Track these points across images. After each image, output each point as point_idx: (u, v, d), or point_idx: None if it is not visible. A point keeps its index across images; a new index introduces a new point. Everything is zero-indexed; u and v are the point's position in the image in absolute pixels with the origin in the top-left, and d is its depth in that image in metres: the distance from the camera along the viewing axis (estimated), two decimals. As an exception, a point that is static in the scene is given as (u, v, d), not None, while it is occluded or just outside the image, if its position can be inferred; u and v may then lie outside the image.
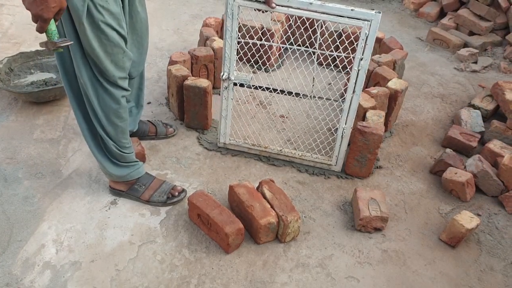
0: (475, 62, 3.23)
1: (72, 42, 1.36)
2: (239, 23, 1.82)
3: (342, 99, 1.92)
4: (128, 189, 1.85)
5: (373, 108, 2.11)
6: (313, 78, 2.06)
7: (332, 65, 2.81)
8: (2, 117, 2.29)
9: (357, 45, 1.75)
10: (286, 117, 2.45)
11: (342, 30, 2.79)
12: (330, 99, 2.43)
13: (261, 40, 2.75)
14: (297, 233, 1.75)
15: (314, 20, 2.56)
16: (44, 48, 1.32)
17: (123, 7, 1.53)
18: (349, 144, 2.03)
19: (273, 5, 1.70)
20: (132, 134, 2.09)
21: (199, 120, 2.26)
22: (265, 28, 2.72)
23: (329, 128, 2.31)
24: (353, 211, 1.89)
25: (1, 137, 2.15)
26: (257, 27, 2.69)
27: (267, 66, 2.85)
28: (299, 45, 2.81)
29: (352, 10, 1.69)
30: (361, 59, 1.77)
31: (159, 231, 1.75)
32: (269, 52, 2.69)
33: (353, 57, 1.78)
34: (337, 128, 2.02)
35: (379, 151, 2.21)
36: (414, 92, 2.82)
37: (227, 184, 1.93)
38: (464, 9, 3.59)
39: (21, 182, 1.91)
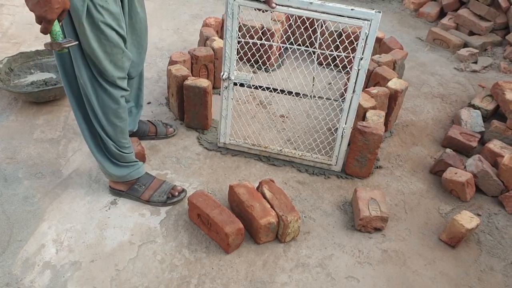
0: (475, 62, 3.23)
1: (77, 43, 1.36)
2: (239, 23, 1.82)
3: (342, 99, 1.92)
4: (128, 189, 1.85)
5: (373, 108, 2.11)
6: (313, 77, 2.06)
7: (332, 65, 2.81)
8: (2, 117, 2.29)
9: (357, 44, 1.75)
10: (286, 117, 2.45)
11: (342, 29, 2.80)
12: (330, 99, 2.43)
13: (261, 39, 2.75)
14: (297, 233, 1.75)
15: (314, 20, 2.56)
16: (46, 48, 1.32)
17: (122, 7, 1.53)
18: (349, 144, 2.03)
19: (273, 5, 1.70)
20: (132, 134, 2.09)
21: (199, 120, 2.26)
22: (265, 28, 2.72)
23: (329, 128, 2.31)
24: (353, 211, 1.89)
25: (1, 137, 2.15)
26: (257, 26, 2.69)
27: (267, 66, 2.85)
28: (299, 45, 2.82)
29: (352, 9, 1.69)
30: (361, 59, 1.77)
31: (159, 231, 1.75)
32: (269, 51, 2.69)
33: (353, 57, 1.78)
34: (337, 128, 2.02)
35: (379, 151, 2.21)
36: (414, 92, 2.82)
37: (227, 184, 1.93)
38: (464, 9, 3.59)
39: (21, 182, 1.91)
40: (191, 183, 1.99)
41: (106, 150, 1.73)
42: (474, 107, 2.59)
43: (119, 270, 1.59)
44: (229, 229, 1.61)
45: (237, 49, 1.88)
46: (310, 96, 2.04)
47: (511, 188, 2.01)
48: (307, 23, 2.26)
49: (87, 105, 1.60)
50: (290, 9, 1.72)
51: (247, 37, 2.43)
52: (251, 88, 2.07)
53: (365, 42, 1.72)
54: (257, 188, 1.84)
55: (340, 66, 2.06)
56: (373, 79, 2.44)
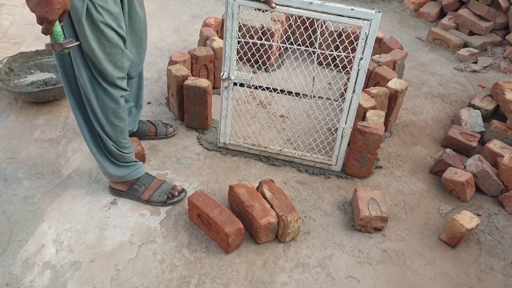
0: (475, 62, 3.23)
1: (78, 43, 1.36)
2: (239, 23, 1.82)
3: (342, 99, 1.92)
4: (128, 189, 1.85)
5: (373, 108, 2.11)
6: (313, 77, 2.06)
7: (332, 65, 2.81)
8: (2, 117, 2.29)
9: (357, 44, 1.75)
10: (286, 117, 2.45)
11: (342, 29, 2.80)
12: (330, 99, 2.43)
13: (261, 39, 2.75)
14: (297, 233, 1.75)
15: (314, 20, 2.56)
16: (47, 49, 1.32)
17: (122, 7, 1.53)
18: (349, 144, 2.03)
19: (273, 5, 1.70)
20: (132, 134, 2.09)
21: (199, 120, 2.26)
22: (265, 28, 2.72)
23: (329, 128, 2.31)
24: (353, 211, 1.89)
25: (1, 137, 2.15)
26: (257, 26, 2.69)
27: (267, 66, 2.85)
28: (299, 45, 2.82)
29: (352, 9, 1.69)
30: (361, 59, 1.77)
31: (159, 231, 1.75)
32: (269, 51, 2.69)
33: (353, 57, 1.78)
34: (337, 128, 2.02)
35: (379, 151, 2.21)
36: (414, 92, 2.82)
37: (227, 184, 1.93)
38: (464, 9, 3.59)
39: (21, 182, 1.91)
40: (191, 183, 1.99)
41: (106, 150, 1.73)
42: (474, 107, 2.59)
43: (119, 270, 1.59)
44: (229, 229, 1.61)
45: (237, 49, 1.88)
46: (310, 96, 2.04)
47: (511, 188, 2.01)
48: (307, 23, 2.27)
49: (87, 105, 1.60)
50: (290, 9, 1.72)
51: (247, 37, 2.43)
52: (251, 88, 2.07)
53: (365, 42, 1.72)
54: (257, 188, 1.84)
55: (340, 66, 2.06)
56: (373, 79, 2.44)
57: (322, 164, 2.10)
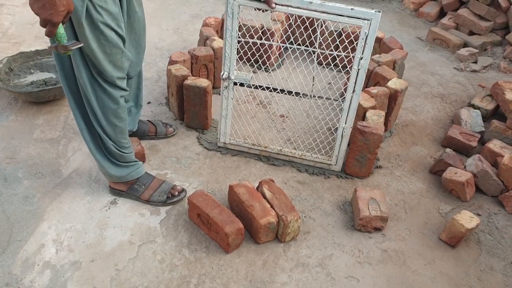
0: (475, 62, 3.23)
1: (82, 44, 1.36)
2: (239, 23, 1.81)
3: (342, 99, 1.92)
4: (128, 189, 1.85)
5: (373, 107, 2.11)
6: (313, 77, 2.06)
7: (332, 65, 2.81)
8: (2, 117, 2.29)
9: (357, 44, 1.75)
10: (286, 117, 2.45)
11: (342, 29, 2.80)
12: (330, 99, 2.43)
13: (261, 39, 2.75)
14: (297, 233, 1.75)
15: (314, 19, 2.56)
16: (51, 51, 1.32)
17: (120, 7, 1.53)
18: (349, 144, 2.03)
19: (273, 5, 1.70)
20: (132, 134, 2.09)
21: (199, 120, 2.26)
22: (265, 28, 2.72)
23: (329, 127, 2.31)
24: (353, 211, 1.89)
25: (1, 137, 2.15)
26: (257, 26, 2.69)
27: (267, 66, 2.84)
28: (299, 45, 2.81)
29: (352, 9, 1.69)
30: (361, 58, 1.76)
31: (159, 231, 1.74)
32: (269, 51, 2.69)
33: (353, 57, 1.78)
34: (337, 128, 2.02)
35: (379, 151, 2.21)
36: (414, 92, 2.82)
37: (227, 184, 1.93)
38: (464, 9, 3.59)
39: (21, 182, 1.91)
40: (191, 183, 1.99)
41: (106, 150, 1.73)
42: (474, 107, 2.59)
43: (119, 270, 1.59)
44: (229, 229, 1.61)
45: (237, 48, 1.88)
46: (310, 96, 2.04)
47: (511, 188, 2.01)
48: (307, 22, 2.27)
49: (87, 106, 1.59)
50: (290, 8, 1.72)
51: (247, 37, 2.43)
52: (251, 87, 2.07)
53: (365, 41, 1.72)
54: (257, 188, 1.84)
55: (340, 65, 2.06)
56: (373, 79, 2.44)
57: (322, 164, 2.10)
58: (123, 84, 1.60)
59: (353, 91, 1.85)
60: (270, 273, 1.62)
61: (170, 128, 2.23)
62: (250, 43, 1.99)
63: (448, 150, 2.16)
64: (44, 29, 1.24)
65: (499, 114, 2.57)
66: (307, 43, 2.30)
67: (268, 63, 2.82)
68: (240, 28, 2.58)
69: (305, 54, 1.98)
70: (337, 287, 1.60)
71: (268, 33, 2.73)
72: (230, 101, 2.01)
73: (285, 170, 2.11)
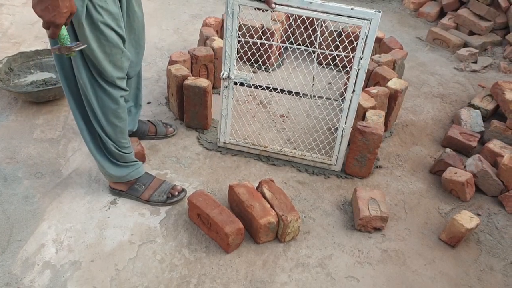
0: (475, 62, 3.23)
1: (86, 45, 1.36)
2: (239, 22, 1.82)
3: (342, 99, 1.92)
4: (128, 189, 1.85)
5: (373, 107, 2.11)
6: (313, 77, 2.06)
7: (332, 65, 2.82)
8: (2, 116, 2.29)
9: (357, 44, 1.75)
10: (286, 117, 2.45)
11: (342, 29, 2.80)
12: (330, 99, 2.43)
13: (261, 39, 2.75)
14: (297, 233, 1.75)
15: (314, 19, 2.56)
16: (55, 53, 1.32)
17: (120, 7, 1.53)
18: (349, 144, 2.03)
19: (273, 5, 1.70)
20: (132, 134, 2.09)
21: (199, 120, 2.26)
22: (265, 27, 2.72)
23: (329, 127, 2.31)
24: (353, 211, 1.89)
25: (1, 137, 2.15)
26: (257, 26, 2.69)
27: (267, 66, 2.84)
28: (299, 44, 2.81)
29: (352, 9, 1.69)
30: (361, 58, 1.76)
31: (159, 230, 1.74)
32: (269, 51, 2.69)
33: (353, 56, 1.78)
34: (337, 128, 2.02)
35: (379, 151, 2.21)
36: (414, 92, 2.82)
37: (227, 184, 1.93)
38: (464, 9, 3.59)
39: (21, 182, 1.91)
40: (191, 182, 1.99)
41: (106, 150, 1.73)
42: (474, 107, 2.59)
43: (119, 270, 1.59)
44: (229, 229, 1.61)
45: (237, 48, 1.88)
46: (310, 95, 2.04)
47: (511, 188, 2.01)
48: (307, 22, 2.27)
49: (87, 106, 1.59)
50: (290, 8, 1.72)
51: (247, 37, 2.43)
52: (251, 87, 2.07)
53: (365, 41, 1.72)
54: (257, 188, 1.84)
55: (340, 65, 2.06)
56: (373, 79, 2.44)
57: (322, 164, 2.10)
58: (123, 84, 1.60)
59: (353, 91, 1.85)
60: (270, 273, 1.62)
61: (170, 128, 2.23)
62: (250, 43, 1.99)
63: (448, 150, 2.16)
64: (45, 30, 1.25)
65: (499, 114, 2.57)
66: (307, 43, 2.30)
67: (268, 63, 2.82)
68: (240, 28, 2.58)
69: (305, 54, 1.98)
70: (337, 287, 1.60)
71: (268, 33, 2.73)
72: (230, 101, 2.01)
73: (285, 170, 2.11)
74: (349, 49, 2.04)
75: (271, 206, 1.72)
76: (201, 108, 2.20)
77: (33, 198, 1.84)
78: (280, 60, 2.96)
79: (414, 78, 2.99)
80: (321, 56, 2.79)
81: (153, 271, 1.59)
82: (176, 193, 1.86)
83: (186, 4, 3.84)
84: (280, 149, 2.13)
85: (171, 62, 2.32)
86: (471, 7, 3.53)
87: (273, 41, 2.73)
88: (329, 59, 2.25)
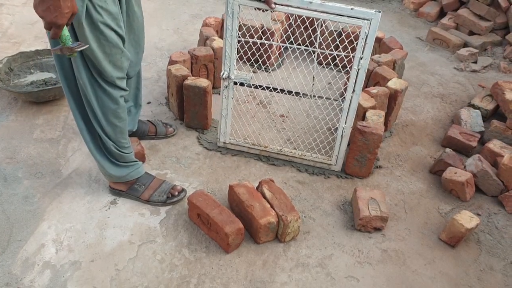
0: (475, 62, 3.23)
1: (87, 46, 1.36)
2: (239, 22, 1.82)
3: (342, 99, 1.92)
4: (128, 188, 1.85)
5: (373, 107, 2.11)
6: (313, 77, 2.06)
7: (332, 64, 2.82)
8: (2, 116, 2.29)
9: (356, 44, 1.75)
10: (286, 117, 2.45)
11: (342, 29, 2.80)
12: (330, 99, 2.43)
13: (261, 39, 2.75)
14: (297, 232, 1.75)
15: (314, 19, 2.56)
16: (57, 53, 1.32)
17: (120, 6, 1.53)
18: (349, 144, 2.03)
19: (273, 5, 1.70)
20: (132, 134, 2.09)
21: (199, 120, 2.26)
22: (265, 27, 2.72)
23: (329, 127, 2.31)
24: (353, 211, 1.89)
25: (1, 137, 2.15)
26: (257, 26, 2.69)
27: (267, 66, 2.84)
28: (299, 44, 2.81)
29: (352, 9, 1.69)
30: (361, 58, 1.76)
31: (159, 230, 1.74)
32: (269, 51, 2.69)
33: (353, 56, 1.78)
34: (337, 128, 2.02)
35: (379, 150, 2.21)
36: (414, 92, 2.82)
37: (227, 183, 1.93)
38: (464, 9, 3.59)
39: (21, 182, 1.91)
40: (191, 182, 1.99)
41: (106, 150, 1.73)
42: (474, 107, 2.59)
43: (119, 270, 1.59)
44: (229, 229, 1.61)
45: (237, 48, 1.88)
46: (310, 95, 2.04)
47: (510, 188, 2.01)
48: (307, 22, 2.27)
49: (87, 106, 1.59)
50: (290, 8, 1.72)
51: (247, 37, 2.43)
52: (251, 87, 2.07)
53: (365, 41, 1.72)
54: (257, 188, 1.84)
55: (340, 65, 2.06)
56: (373, 78, 2.44)
57: (322, 163, 2.10)
58: (122, 84, 1.60)
59: (353, 91, 1.85)
60: (270, 273, 1.62)
61: (170, 128, 2.23)
62: (250, 43, 1.99)
63: (448, 150, 2.16)
64: (44, 29, 1.25)
65: (499, 114, 2.57)
66: (307, 43, 2.29)
67: (268, 63, 2.82)
68: (240, 28, 2.58)
69: (305, 54, 1.98)
70: (337, 287, 1.60)
71: (268, 33, 2.73)
72: (230, 101, 2.01)
73: (285, 170, 2.11)
74: (349, 49, 2.04)
75: (271, 206, 1.72)
76: (201, 108, 2.20)
77: (33, 198, 1.84)
78: (280, 60, 2.96)
79: (414, 78, 2.99)
80: (321, 56, 2.79)
81: (153, 271, 1.59)
82: (176, 193, 1.86)
83: (186, 4, 3.84)
84: (280, 149, 2.13)
85: (171, 62, 2.32)
86: (471, 7, 3.53)
87: (273, 41, 2.73)
88: (329, 59, 2.25)
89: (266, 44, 2.58)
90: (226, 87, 1.97)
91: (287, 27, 3.00)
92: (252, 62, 2.74)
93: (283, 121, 2.42)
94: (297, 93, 2.10)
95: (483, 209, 1.98)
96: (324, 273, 1.64)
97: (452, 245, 1.78)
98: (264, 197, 1.77)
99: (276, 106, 2.52)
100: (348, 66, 1.90)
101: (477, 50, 3.27)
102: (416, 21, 3.90)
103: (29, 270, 1.56)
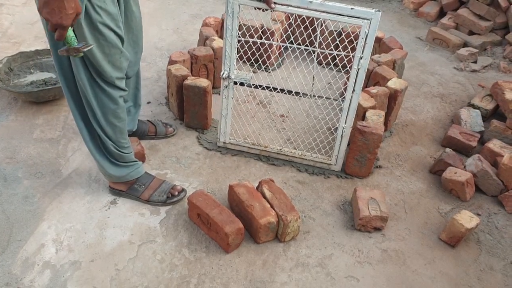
0: (475, 62, 3.23)
1: (93, 46, 1.36)
2: (239, 22, 1.81)
3: (342, 98, 1.92)
4: (128, 188, 1.85)
5: (373, 107, 2.11)
6: (313, 77, 2.06)
7: (332, 64, 2.82)
8: (2, 116, 2.29)
9: (356, 44, 1.75)
10: (286, 117, 2.45)
11: (342, 29, 2.80)
12: (330, 98, 2.43)
13: (261, 39, 2.75)
14: (296, 232, 1.75)
15: (314, 19, 2.55)
16: (63, 54, 1.31)
17: (119, 7, 1.53)
18: (348, 144, 2.03)
19: (273, 5, 1.70)
20: (132, 134, 2.09)
21: (198, 119, 2.26)
22: (265, 27, 2.72)
23: (329, 127, 2.31)
24: (353, 211, 1.89)
25: (1, 137, 2.15)
26: (257, 26, 2.69)
27: (267, 65, 2.84)
28: (298, 44, 2.81)
29: (352, 8, 1.69)
30: (361, 58, 1.76)
31: (159, 230, 1.74)
32: (269, 51, 2.68)
33: (353, 56, 1.78)
34: (337, 128, 2.02)
35: (379, 150, 2.21)
36: (413, 92, 2.82)
37: (227, 183, 1.93)
38: (463, 9, 3.59)
39: (20, 182, 1.91)
40: (191, 182, 1.98)
41: (106, 151, 1.73)
42: (474, 106, 2.59)
43: (119, 270, 1.59)
44: (229, 228, 1.61)
45: (237, 48, 1.88)
46: (310, 95, 2.04)
47: (510, 187, 2.01)
48: (307, 22, 2.26)
49: (86, 106, 1.59)
50: (290, 8, 1.72)
51: (247, 36, 2.43)
52: (251, 87, 2.07)
53: (365, 41, 1.72)
54: (257, 188, 1.84)
55: (340, 65, 2.07)
56: (372, 78, 2.44)
57: (322, 163, 2.10)
58: (122, 84, 1.60)
59: (353, 90, 1.85)
60: (270, 273, 1.62)
61: (170, 128, 2.23)
62: (250, 43, 1.99)
63: (448, 150, 2.16)
64: (44, 30, 1.24)
65: (499, 114, 2.57)
66: (307, 43, 2.29)
67: (268, 62, 2.82)
68: (240, 28, 2.58)
69: (305, 53, 1.98)
70: (337, 287, 1.60)
71: (268, 32, 2.73)
72: (230, 101, 2.01)
73: (285, 170, 2.11)
74: (349, 49, 2.04)
75: (271, 206, 1.72)
76: (201, 108, 2.20)
77: (33, 198, 1.84)
78: (280, 59, 2.96)
79: (414, 78, 2.99)
80: (321, 56, 2.79)
81: (153, 271, 1.59)
82: (176, 193, 1.86)
83: (186, 4, 3.84)
84: (280, 149, 2.13)
85: (171, 62, 2.32)
86: (471, 7, 3.53)
87: (273, 40, 2.73)
88: (329, 59, 2.25)
89: (266, 44, 2.57)
90: (226, 87, 1.97)
91: (287, 27, 3.00)
92: (252, 62, 2.74)
93: (283, 121, 2.42)
94: (297, 93, 2.10)
95: (483, 209, 1.98)
96: (324, 273, 1.64)
97: (452, 245, 1.78)
98: (264, 197, 1.77)
99: (276, 106, 2.52)
100: (348, 66, 1.90)
101: (477, 50, 3.27)
102: (416, 21, 3.90)
103: (29, 270, 1.56)
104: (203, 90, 2.13)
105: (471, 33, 3.52)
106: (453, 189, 2.02)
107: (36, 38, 3.06)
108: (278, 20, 2.81)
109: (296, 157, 2.12)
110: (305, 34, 2.01)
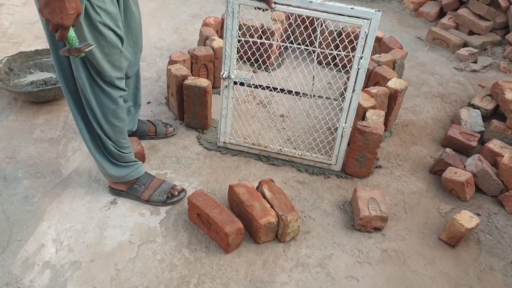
0: (475, 62, 3.23)
1: (94, 46, 1.36)
2: (239, 22, 1.81)
3: (342, 98, 1.92)
4: (128, 188, 1.85)
5: (373, 107, 2.11)
6: (313, 77, 2.06)
7: (332, 64, 2.81)
8: (2, 116, 2.29)
9: (356, 43, 1.75)
10: (286, 117, 2.45)
11: (342, 28, 2.80)
12: (330, 98, 2.43)
13: (261, 38, 2.75)
14: (296, 232, 1.75)
15: (314, 19, 2.55)
16: (64, 55, 1.31)
17: (118, 6, 1.52)
18: (348, 144, 2.03)
19: (273, 5, 1.70)
20: (132, 134, 2.09)
21: (199, 119, 2.26)
22: (265, 27, 2.72)
23: (329, 127, 2.31)
24: (353, 211, 1.89)
25: (1, 137, 2.15)
26: (257, 25, 2.69)
27: (267, 65, 2.84)
28: (299, 44, 2.81)
29: (352, 8, 1.69)
30: (361, 58, 1.76)
31: (159, 230, 1.74)
32: (269, 50, 2.68)
33: (353, 56, 1.78)
34: (337, 128, 2.02)
35: (379, 150, 2.21)
36: (413, 92, 2.82)
37: (227, 183, 1.93)
38: (463, 9, 3.59)
39: (20, 182, 1.91)
40: (191, 182, 1.98)
41: (106, 151, 1.73)
42: (474, 106, 2.59)
43: (119, 270, 1.59)
44: (229, 228, 1.61)
45: (237, 48, 1.88)
46: (310, 95, 2.04)
47: (510, 187, 2.01)
48: (307, 22, 2.26)
49: (86, 106, 1.59)
50: (290, 8, 1.72)
51: (247, 36, 2.43)
52: (251, 87, 2.07)
53: (365, 41, 1.72)
54: (257, 188, 1.84)
55: (340, 65, 2.06)
56: (372, 78, 2.44)
57: (322, 163, 2.10)
58: (121, 84, 1.60)
59: (353, 90, 1.85)
60: (270, 273, 1.62)
61: (170, 128, 2.23)
62: (250, 43, 1.99)
63: (448, 150, 2.16)
64: (44, 30, 1.24)
65: (499, 114, 2.57)
66: (307, 43, 2.29)
67: (268, 62, 2.82)
68: (240, 28, 2.58)
69: (305, 53, 1.98)
70: (337, 287, 1.60)
71: (268, 32, 2.73)
72: (230, 101, 2.01)
73: (285, 170, 2.11)
74: (349, 49, 2.04)
75: (271, 206, 1.72)
76: (201, 108, 2.20)
77: (33, 198, 1.84)
78: (280, 59, 2.96)
79: (414, 78, 2.99)
80: (321, 56, 2.79)
81: (153, 271, 1.59)
82: (176, 193, 1.86)
83: (186, 3, 3.84)
84: (280, 149, 2.13)
85: (171, 62, 2.32)
86: (471, 6, 3.53)
87: (273, 40, 2.73)
88: (329, 59, 2.25)
89: (266, 44, 2.57)
90: (226, 86, 1.97)
91: (287, 27, 3.00)
92: (252, 62, 2.74)
93: (283, 121, 2.42)
94: (297, 93, 2.10)
95: (483, 209, 1.98)
96: (324, 273, 1.64)
97: (452, 245, 1.78)
98: (264, 197, 1.77)
99: (276, 106, 2.52)
100: (348, 66, 1.90)
101: (477, 50, 3.27)
102: (416, 21, 3.90)
103: (29, 270, 1.56)
104: (203, 90, 2.13)
105: (471, 33, 3.52)
106: (453, 189, 2.02)
107: (36, 38, 3.06)
108: (278, 20, 2.80)
109: (296, 157, 2.12)
110: (305, 34, 2.01)
